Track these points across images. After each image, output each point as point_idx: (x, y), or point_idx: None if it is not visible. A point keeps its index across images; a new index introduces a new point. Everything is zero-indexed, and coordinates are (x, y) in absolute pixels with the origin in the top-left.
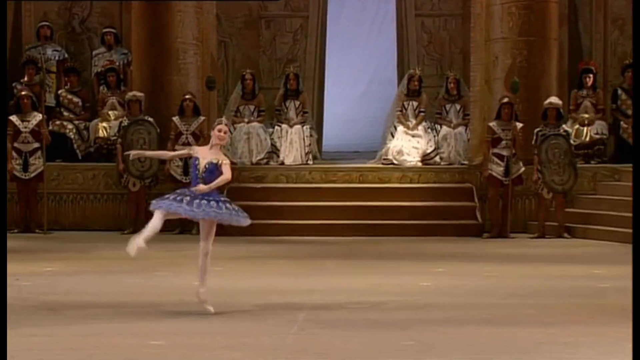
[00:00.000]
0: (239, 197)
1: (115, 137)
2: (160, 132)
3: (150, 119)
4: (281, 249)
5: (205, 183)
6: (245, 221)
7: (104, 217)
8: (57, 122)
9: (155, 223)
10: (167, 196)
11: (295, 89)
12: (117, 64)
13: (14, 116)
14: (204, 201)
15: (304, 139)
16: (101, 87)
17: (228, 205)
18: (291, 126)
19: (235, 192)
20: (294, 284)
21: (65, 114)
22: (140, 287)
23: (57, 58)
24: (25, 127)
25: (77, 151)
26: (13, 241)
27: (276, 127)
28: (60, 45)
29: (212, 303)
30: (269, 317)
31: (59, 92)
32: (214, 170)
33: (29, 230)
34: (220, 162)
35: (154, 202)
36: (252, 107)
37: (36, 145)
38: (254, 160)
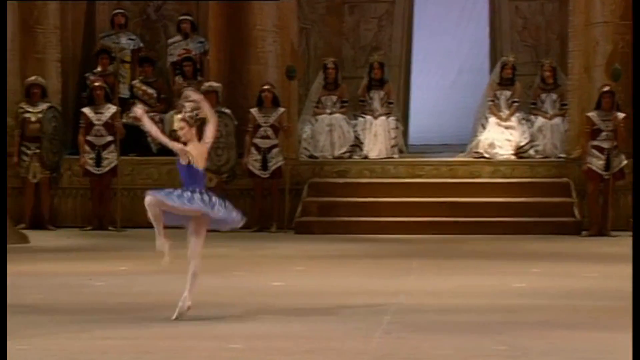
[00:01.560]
0: (321, 193)
1: None
2: (238, 125)
3: (228, 111)
4: (365, 247)
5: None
6: (241, 222)
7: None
8: (131, 115)
9: (154, 222)
10: (172, 192)
11: (380, 78)
12: (194, 53)
13: (87, 108)
14: (217, 198)
15: (389, 131)
16: (177, 77)
17: (226, 202)
18: (376, 117)
19: (317, 187)
20: (379, 285)
21: (140, 105)
22: (218, 288)
23: (131, 47)
24: (99, 120)
25: (152, 145)
26: (86, 239)
27: (360, 118)
28: (135, 33)
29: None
30: (352, 319)
31: (133, 82)
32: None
33: (102, 228)
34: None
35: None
36: (334, 98)
37: (110, 138)
38: (336, 153)
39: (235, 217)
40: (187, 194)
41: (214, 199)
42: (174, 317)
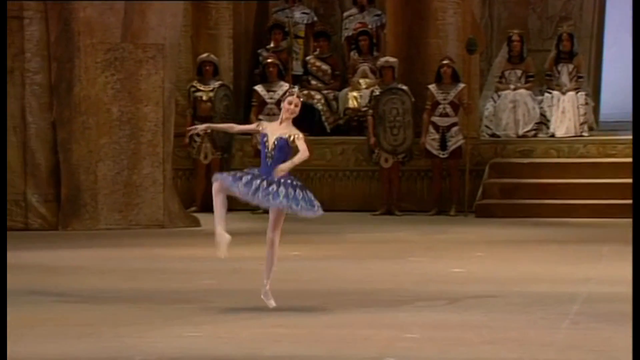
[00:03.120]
0: (504, 174)
1: (366, 108)
2: (416, 102)
3: (405, 87)
4: (550, 232)
5: (275, 162)
6: (314, 213)
7: (354, 196)
8: (305, 92)
9: (217, 209)
10: (232, 173)
11: (569, 50)
12: (370, 26)
13: (259, 86)
14: (273, 186)
15: (578, 108)
16: (352, 53)
17: (298, 191)
18: (564, 93)
19: (500, 168)
20: (566, 272)
21: (313, 82)
22: (394, 274)
23: (305, 21)
24: (271, 98)
25: (326, 124)
26: (258, 223)
27: (546, 94)
28: (309, 7)
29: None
30: (536, 309)
31: (307, 58)
32: (284, 146)
33: None
34: (291, 137)
35: (219, 175)
36: (519, 72)
37: None
38: (521, 132)
39: (308, 211)
40: (256, 182)
41: (281, 188)
42: (271, 303)
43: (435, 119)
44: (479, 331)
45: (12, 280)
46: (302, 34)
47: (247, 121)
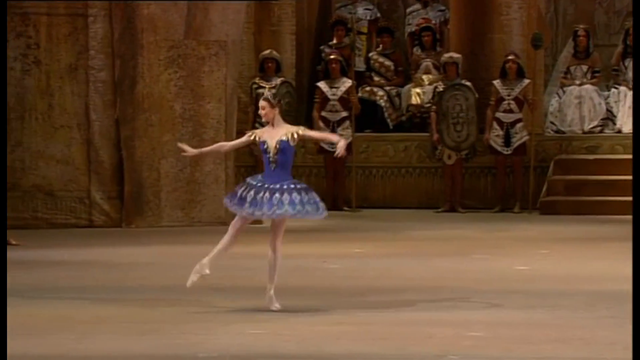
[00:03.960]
0: (569, 170)
1: (429, 104)
2: (479, 98)
3: (468, 83)
4: (617, 229)
5: (280, 166)
6: (320, 216)
7: (417, 193)
8: (367, 89)
9: (225, 240)
10: (237, 190)
11: None
12: (433, 22)
13: (322, 82)
14: (276, 194)
15: None
16: (415, 49)
17: (303, 194)
18: (630, 88)
19: (564, 165)
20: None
21: (376, 79)
22: (457, 272)
23: (368, 17)
24: (334, 95)
25: (388, 120)
26: (320, 220)
27: (613, 89)
28: (372, 3)
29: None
30: (603, 307)
31: (370, 54)
32: (286, 148)
33: (336, 208)
34: (293, 134)
35: (226, 199)
36: (584, 68)
37: (344, 114)
38: (586, 128)
39: (314, 215)
40: (260, 195)
41: (285, 196)
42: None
43: (499, 115)
44: (544, 330)
45: (76, 278)
46: (365, 30)
47: (309, 118)
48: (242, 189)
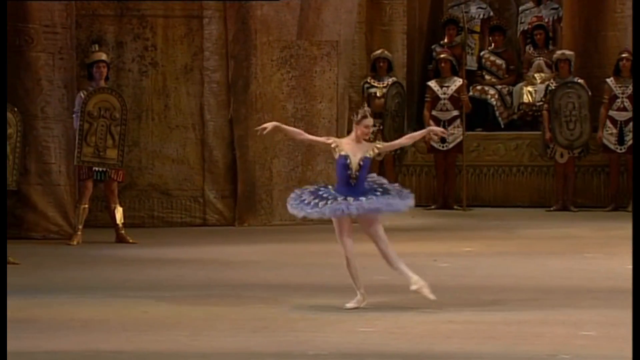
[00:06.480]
0: None
1: (541, 102)
2: (592, 96)
3: (581, 81)
4: None
5: (360, 182)
6: (410, 204)
7: (528, 191)
8: (478, 87)
9: (352, 271)
10: (303, 198)
11: None
12: (546, 20)
13: (433, 81)
14: (360, 197)
15: None
16: (527, 47)
17: (386, 187)
18: None
19: None
20: None
21: (487, 77)
22: (569, 271)
23: (481, 16)
24: (444, 94)
25: (499, 119)
26: (430, 218)
27: None
28: (485, 2)
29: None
30: None
31: (482, 53)
32: (367, 165)
33: (446, 207)
34: (375, 150)
35: (291, 204)
36: None
37: (455, 113)
38: None
39: (397, 203)
40: (340, 198)
41: (369, 195)
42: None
43: (612, 113)
44: None
45: (190, 275)
46: (477, 29)
47: (420, 117)
48: (314, 199)
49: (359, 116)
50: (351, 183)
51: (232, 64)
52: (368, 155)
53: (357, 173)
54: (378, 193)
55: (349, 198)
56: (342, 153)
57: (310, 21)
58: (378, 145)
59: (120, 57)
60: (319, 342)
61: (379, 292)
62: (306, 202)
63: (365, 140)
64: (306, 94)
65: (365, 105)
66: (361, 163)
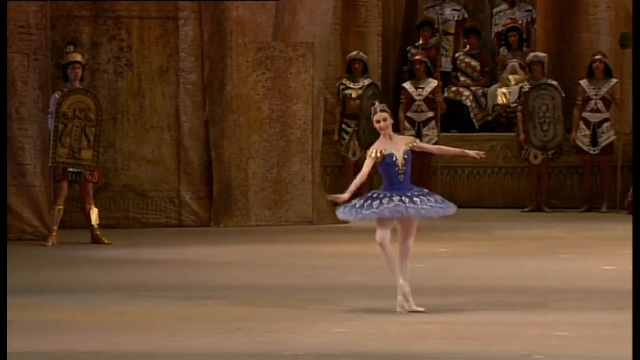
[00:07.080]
0: None
1: (515, 104)
2: (566, 97)
3: (554, 83)
4: None
5: (407, 176)
6: (451, 210)
7: (502, 192)
8: (453, 89)
9: (388, 255)
10: (354, 203)
11: None
12: (520, 22)
13: (407, 83)
14: (406, 199)
15: None
16: (501, 49)
17: (428, 196)
18: None
19: None
20: None
21: (462, 79)
22: (543, 271)
23: (456, 18)
24: (419, 95)
25: (474, 120)
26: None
27: None
28: (459, 3)
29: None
30: None
31: (457, 55)
32: (410, 157)
33: None
34: (413, 143)
35: (343, 210)
36: None
37: (430, 114)
38: None
39: (439, 210)
40: (374, 201)
41: (414, 199)
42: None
43: (586, 114)
44: (630, 330)
45: (166, 276)
46: (452, 30)
47: (395, 118)
48: (367, 201)
49: (372, 116)
50: (400, 179)
51: (208, 65)
52: (407, 148)
53: (404, 167)
54: (429, 198)
55: (403, 198)
56: (386, 152)
57: (285, 23)
58: (416, 142)
59: (95, 58)
60: (295, 342)
61: (353, 293)
62: (358, 205)
63: (391, 134)
64: (281, 95)
65: (377, 102)
66: (405, 157)
